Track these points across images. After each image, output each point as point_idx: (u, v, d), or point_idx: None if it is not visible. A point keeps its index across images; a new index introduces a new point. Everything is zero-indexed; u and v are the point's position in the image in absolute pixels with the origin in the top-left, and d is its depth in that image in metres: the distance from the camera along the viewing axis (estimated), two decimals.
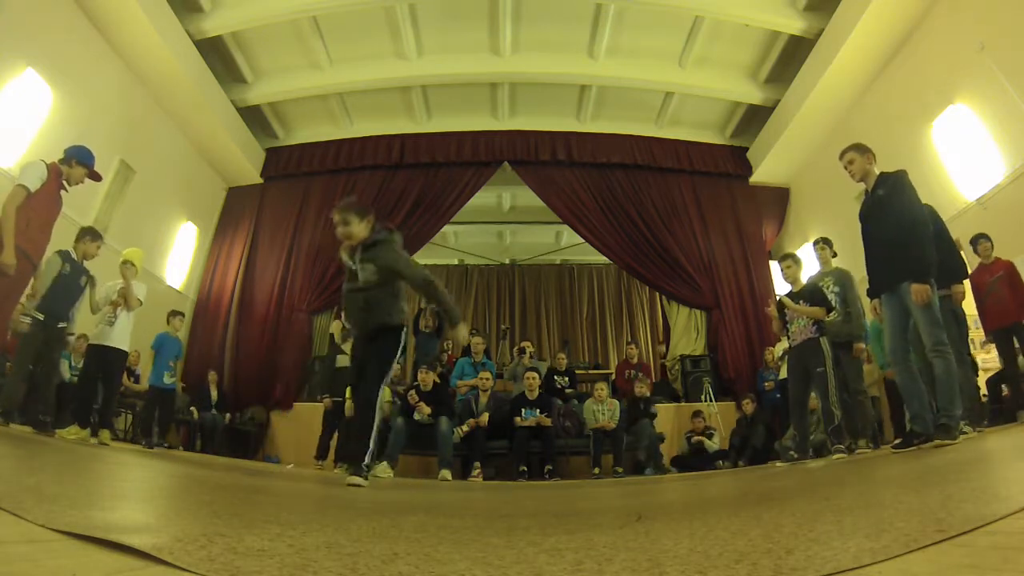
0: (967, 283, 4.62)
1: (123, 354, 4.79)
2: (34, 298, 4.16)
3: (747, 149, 9.28)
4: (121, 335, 4.68)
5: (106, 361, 4.65)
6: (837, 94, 7.31)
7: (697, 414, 7.04)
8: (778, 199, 9.36)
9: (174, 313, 6.45)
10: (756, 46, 7.85)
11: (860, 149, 3.70)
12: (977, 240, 4.92)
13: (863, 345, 4.95)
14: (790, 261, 4.74)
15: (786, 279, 4.79)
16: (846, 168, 3.75)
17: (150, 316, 7.46)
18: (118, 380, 4.88)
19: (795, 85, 7.78)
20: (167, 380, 6.11)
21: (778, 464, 4.78)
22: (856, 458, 3.92)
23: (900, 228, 3.41)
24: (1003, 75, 5.17)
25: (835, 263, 5.21)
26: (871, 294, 3.75)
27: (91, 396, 4.80)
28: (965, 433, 3.48)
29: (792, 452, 4.59)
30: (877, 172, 3.66)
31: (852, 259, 4.75)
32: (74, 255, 4.45)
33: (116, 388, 4.88)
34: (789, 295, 4.66)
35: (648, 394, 6.72)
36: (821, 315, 4.36)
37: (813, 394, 4.53)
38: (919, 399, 3.40)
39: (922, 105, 6.26)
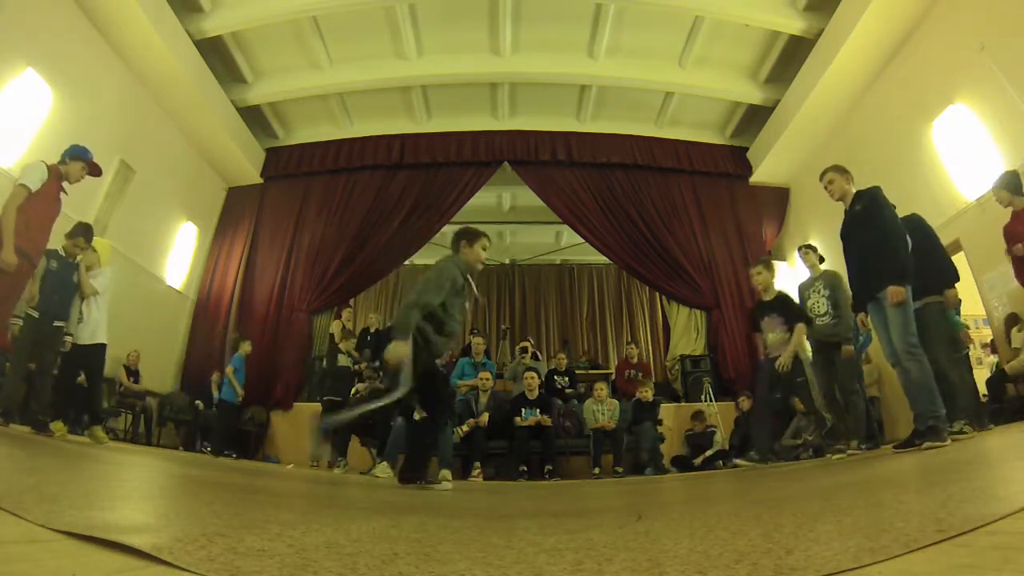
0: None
1: (99, 348, 4.60)
2: (32, 300, 4.12)
3: (747, 149, 9.28)
4: (93, 330, 4.54)
5: (82, 361, 4.54)
6: (837, 94, 7.30)
7: (698, 414, 7.04)
8: (778, 199, 9.35)
9: (241, 337, 7.49)
10: (756, 46, 7.85)
11: (839, 170, 3.80)
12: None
13: (852, 347, 4.90)
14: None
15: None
16: (826, 188, 3.87)
17: (151, 317, 7.51)
18: (99, 375, 4.70)
19: (795, 85, 7.78)
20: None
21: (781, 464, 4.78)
22: (856, 458, 3.92)
23: (878, 241, 3.50)
24: (1003, 75, 5.17)
25: (827, 266, 5.19)
26: (855, 309, 3.82)
27: (68, 395, 4.67)
28: (965, 433, 3.49)
29: (753, 454, 4.56)
30: (854, 191, 3.76)
31: None
32: (62, 252, 4.42)
33: (99, 382, 4.72)
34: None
35: (651, 397, 6.67)
36: (800, 336, 4.23)
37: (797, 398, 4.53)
38: None
39: (922, 105, 6.26)
